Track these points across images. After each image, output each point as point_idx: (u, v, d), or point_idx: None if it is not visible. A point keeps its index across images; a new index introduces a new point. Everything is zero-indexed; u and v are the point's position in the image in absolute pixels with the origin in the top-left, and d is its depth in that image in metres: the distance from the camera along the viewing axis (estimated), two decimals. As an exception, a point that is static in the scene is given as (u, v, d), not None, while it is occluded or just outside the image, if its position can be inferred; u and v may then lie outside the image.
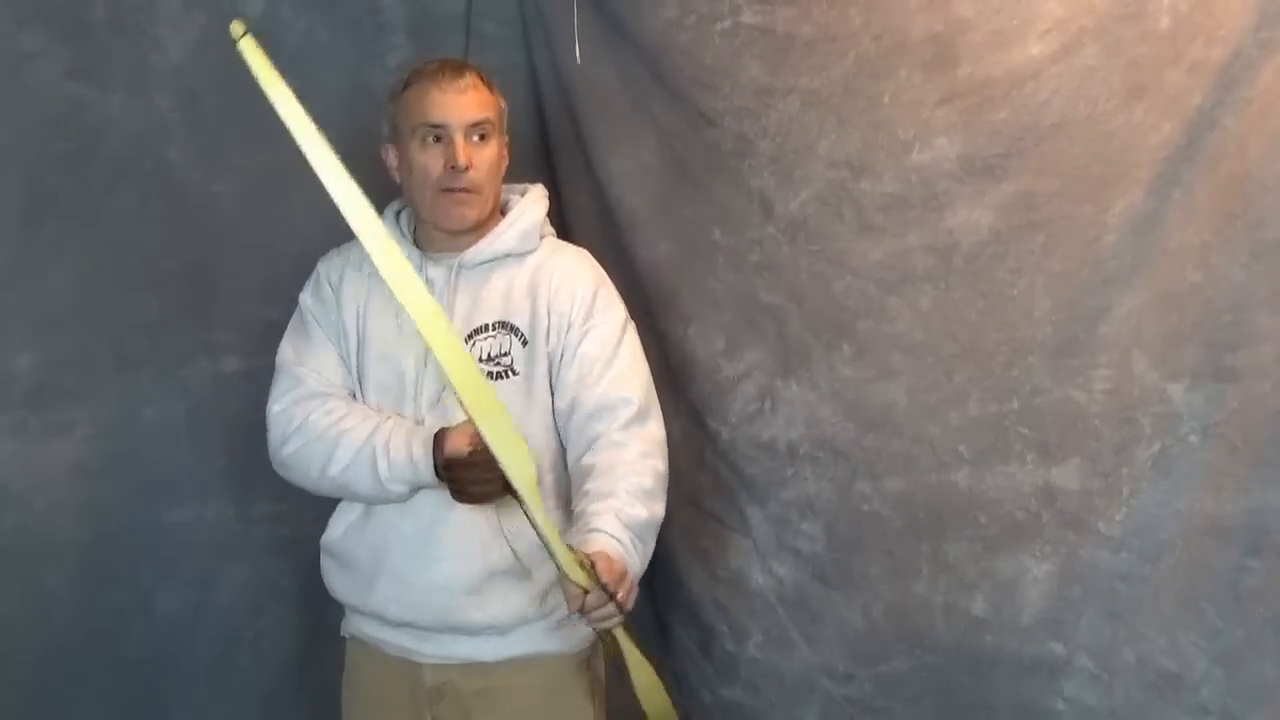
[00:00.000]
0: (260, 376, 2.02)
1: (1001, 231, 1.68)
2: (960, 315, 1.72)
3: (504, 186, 1.74)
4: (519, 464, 1.43)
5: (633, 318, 1.72)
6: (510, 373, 1.65)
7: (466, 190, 1.64)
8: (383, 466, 1.61)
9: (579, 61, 2.06)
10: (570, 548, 1.44)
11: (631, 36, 2.02)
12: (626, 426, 1.63)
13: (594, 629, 1.51)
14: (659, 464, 1.65)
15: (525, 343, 1.66)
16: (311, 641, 2.07)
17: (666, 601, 2.09)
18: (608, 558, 1.46)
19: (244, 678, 2.08)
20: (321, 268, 1.77)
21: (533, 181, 1.82)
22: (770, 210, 1.88)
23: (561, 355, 1.66)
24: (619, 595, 1.44)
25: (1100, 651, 1.64)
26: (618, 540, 1.51)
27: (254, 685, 2.09)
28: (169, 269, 1.99)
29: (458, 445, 1.55)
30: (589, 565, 1.43)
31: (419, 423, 1.65)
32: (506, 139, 1.72)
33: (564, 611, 1.60)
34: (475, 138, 1.65)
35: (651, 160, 2.04)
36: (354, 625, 1.77)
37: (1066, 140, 1.62)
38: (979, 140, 1.67)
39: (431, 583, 1.64)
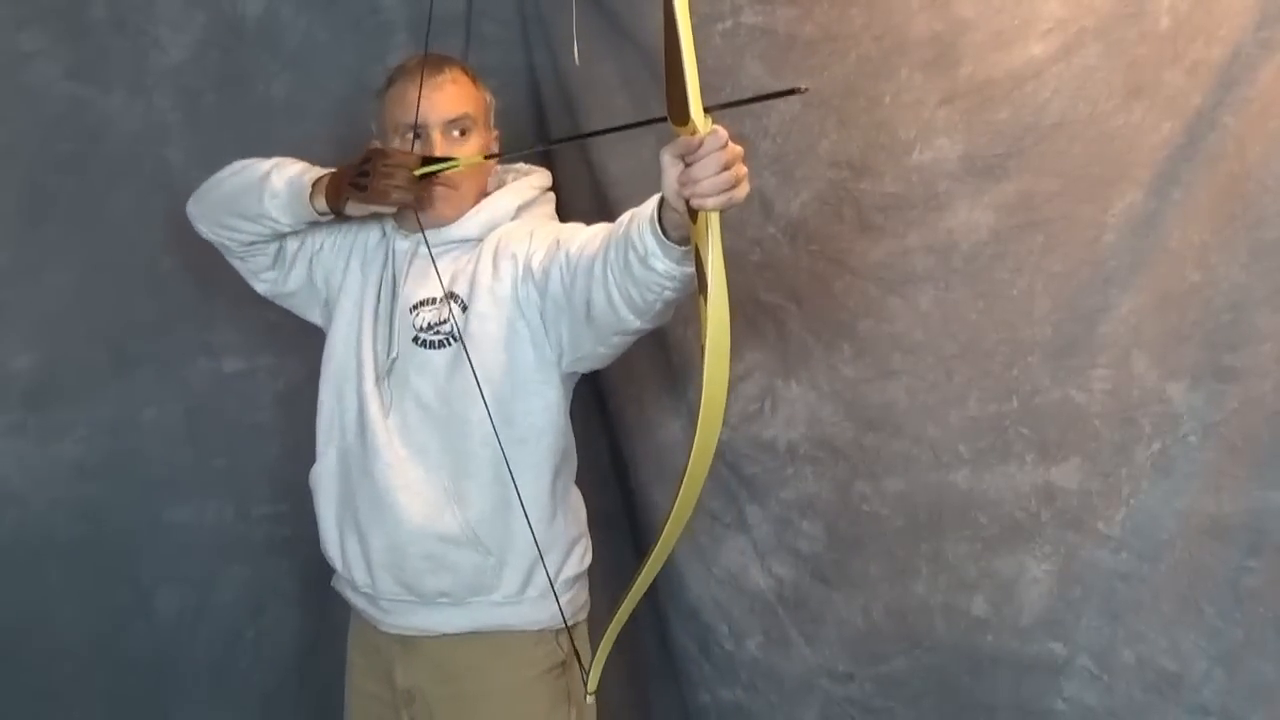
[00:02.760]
0: (260, 376, 2.03)
1: (1001, 231, 1.68)
2: (960, 315, 1.72)
3: (503, 168, 1.76)
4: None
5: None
6: (450, 340, 1.64)
7: (445, 186, 1.66)
8: (276, 169, 1.69)
9: (579, 62, 2.06)
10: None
11: (631, 36, 2.02)
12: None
13: (691, 199, 1.29)
14: None
15: (465, 308, 1.65)
16: (311, 641, 2.07)
17: (665, 602, 2.08)
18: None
19: (244, 678, 2.08)
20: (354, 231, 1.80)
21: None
22: (770, 210, 1.88)
23: (530, 266, 1.62)
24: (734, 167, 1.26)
25: (1100, 651, 1.64)
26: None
27: (254, 685, 2.09)
28: (169, 269, 1.99)
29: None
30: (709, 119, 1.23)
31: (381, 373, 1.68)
32: (496, 133, 1.74)
33: (533, 589, 1.64)
34: (455, 133, 1.67)
35: (651, 160, 2.02)
36: (338, 582, 1.79)
37: (1067, 140, 1.62)
38: (980, 140, 1.67)
39: (389, 544, 1.65)
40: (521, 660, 1.68)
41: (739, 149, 1.28)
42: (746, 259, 1.92)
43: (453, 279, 1.68)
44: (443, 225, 1.70)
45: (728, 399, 1.92)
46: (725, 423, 1.95)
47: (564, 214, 2.14)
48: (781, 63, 1.84)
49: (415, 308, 1.67)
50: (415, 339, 1.66)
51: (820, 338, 1.85)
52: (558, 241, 1.60)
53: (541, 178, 1.83)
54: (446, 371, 1.64)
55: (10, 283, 1.89)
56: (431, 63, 1.69)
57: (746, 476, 1.95)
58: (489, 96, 1.74)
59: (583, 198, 2.14)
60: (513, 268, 1.64)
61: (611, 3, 2.04)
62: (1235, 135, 1.50)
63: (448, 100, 1.67)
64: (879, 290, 1.79)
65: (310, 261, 1.78)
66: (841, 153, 1.80)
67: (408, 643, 1.70)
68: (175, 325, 2.00)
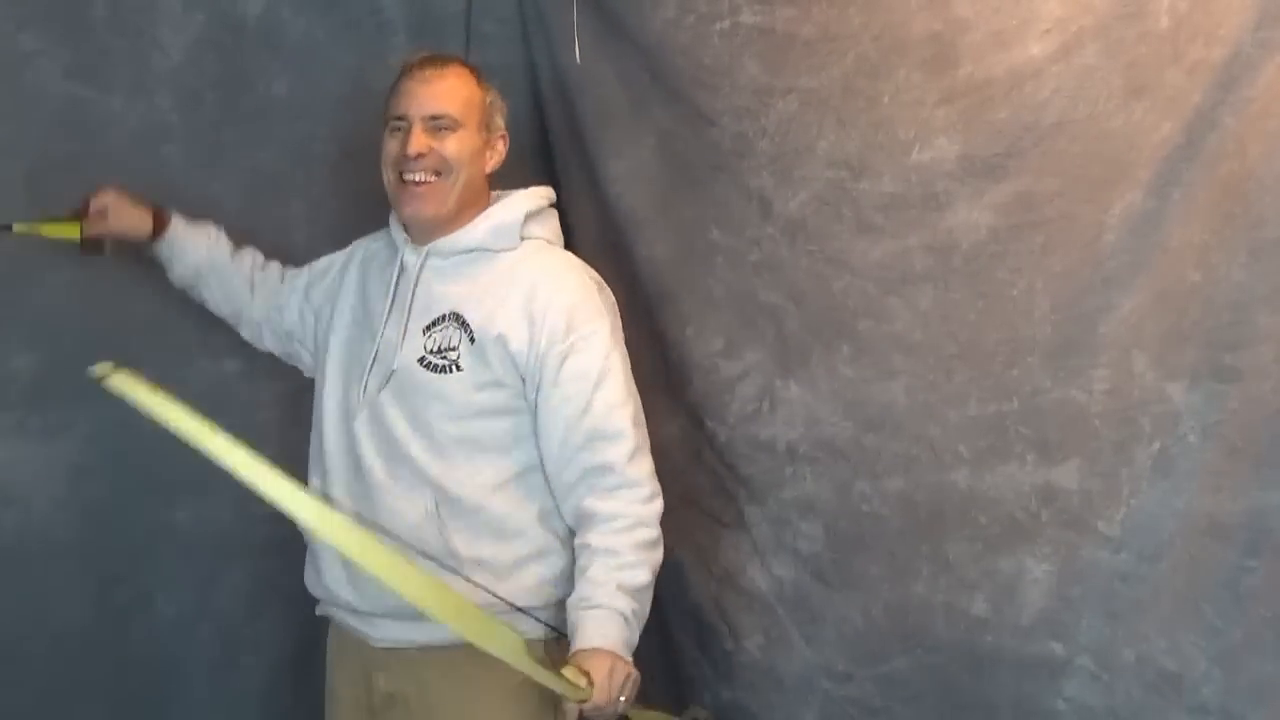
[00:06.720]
0: (260, 377, 2.03)
1: (1001, 231, 1.68)
2: (960, 315, 1.72)
3: (508, 192, 1.75)
4: (505, 645, 1.43)
5: (632, 318, 1.72)
6: (455, 368, 1.65)
7: (421, 181, 1.66)
8: None
9: (579, 61, 2.06)
10: (562, 674, 1.48)
11: (631, 36, 2.02)
12: (628, 461, 1.64)
13: None
14: (658, 504, 1.67)
15: (473, 340, 1.65)
16: (311, 641, 2.07)
17: (665, 602, 2.08)
18: (607, 672, 1.50)
19: (244, 678, 2.08)
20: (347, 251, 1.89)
21: (532, 180, 1.83)
22: (769, 210, 1.88)
23: (542, 374, 1.65)
24: (620, 701, 1.51)
25: (1100, 651, 1.64)
26: (621, 616, 1.56)
27: (254, 685, 2.09)
28: (169, 269, 1.99)
29: None
30: (588, 682, 1.49)
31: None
32: (501, 134, 1.75)
33: (521, 599, 1.65)
34: (439, 129, 1.67)
35: (651, 160, 2.04)
36: (325, 607, 1.82)
37: (1066, 140, 1.62)
38: (979, 140, 1.67)
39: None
40: (509, 666, 1.67)
41: (624, 671, 1.52)
42: (745, 259, 1.92)
43: (464, 298, 1.67)
44: (424, 223, 1.70)
45: (716, 399, 1.92)
46: (724, 422, 1.97)
47: (565, 214, 2.15)
48: (779, 62, 1.85)
49: (429, 328, 1.68)
50: (421, 359, 1.66)
51: (820, 338, 1.85)
52: (564, 419, 1.64)
53: (548, 191, 1.82)
54: (447, 396, 1.65)
55: (10, 283, 1.89)
56: (430, 58, 1.72)
57: (745, 476, 1.95)
58: (491, 98, 1.74)
59: (582, 197, 2.14)
60: (532, 351, 1.64)
61: (611, 3, 2.05)
62: (1235, 135, 1.49)
63: (432, 96, 1.68)
64: (878, 290, 1.79)
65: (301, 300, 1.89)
66: (840, 152, 1.80)
67: (394, 651, 1.70)
68: (175, 325, 2.00)
